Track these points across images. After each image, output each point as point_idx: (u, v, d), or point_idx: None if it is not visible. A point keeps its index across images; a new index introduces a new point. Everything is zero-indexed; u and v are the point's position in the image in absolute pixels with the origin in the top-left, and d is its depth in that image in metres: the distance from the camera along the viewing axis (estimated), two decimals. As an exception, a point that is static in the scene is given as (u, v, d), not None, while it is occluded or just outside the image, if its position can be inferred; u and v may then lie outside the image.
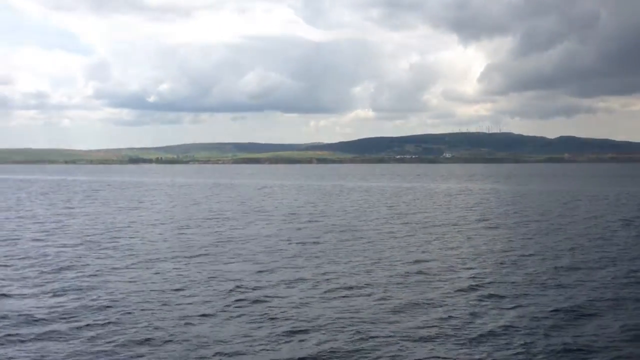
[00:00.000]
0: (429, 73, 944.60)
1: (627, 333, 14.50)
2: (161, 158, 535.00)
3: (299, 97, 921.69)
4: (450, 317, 15.74)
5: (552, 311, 16.24)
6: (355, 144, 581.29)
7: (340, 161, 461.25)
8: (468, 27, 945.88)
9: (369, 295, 18.23)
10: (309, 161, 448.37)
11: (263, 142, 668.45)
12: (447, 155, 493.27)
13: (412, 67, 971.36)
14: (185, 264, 23.51)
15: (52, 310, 16.46)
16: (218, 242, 29.76)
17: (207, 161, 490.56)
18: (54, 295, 18.22)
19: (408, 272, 21.61)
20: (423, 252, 26.53)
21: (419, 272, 21.60)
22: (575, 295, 18.13)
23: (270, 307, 16.81)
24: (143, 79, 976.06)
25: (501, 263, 23.63)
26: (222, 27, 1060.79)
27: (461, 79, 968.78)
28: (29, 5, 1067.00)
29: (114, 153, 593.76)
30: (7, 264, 23.57)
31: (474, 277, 20.74)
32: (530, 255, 25.37)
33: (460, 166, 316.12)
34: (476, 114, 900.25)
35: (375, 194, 74.00)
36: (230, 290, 18.66)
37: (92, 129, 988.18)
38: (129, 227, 36.98)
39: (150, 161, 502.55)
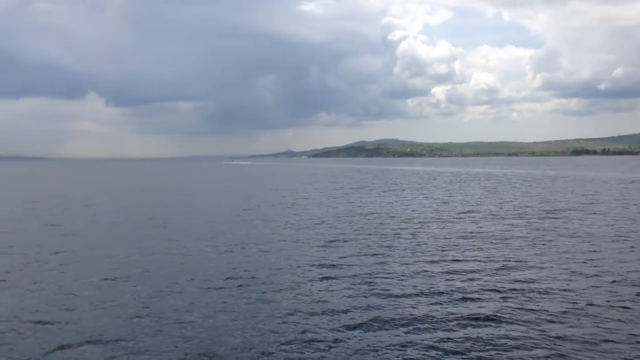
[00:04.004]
0: None
1: None
2: (608, 149, 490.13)
3: None
4: None
5: None
6: None
7: None
8: None
9: None
10: None
11: None
12: None
13: None
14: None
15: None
16: None
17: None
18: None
19: None
20: None
21: None
22: None
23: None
24: (594, 65, 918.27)
25: None
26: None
27: None
28: (484, 6, 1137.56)
29: (557, 145, 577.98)
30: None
31: None
32: None
33: None
34: None
35: None
36: None
37: (538, 120, 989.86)
38: None
39: (594, 152, 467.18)
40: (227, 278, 17.54)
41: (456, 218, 33.32)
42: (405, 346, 11.68)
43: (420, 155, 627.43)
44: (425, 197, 49.68)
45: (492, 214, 34.99)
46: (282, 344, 11.81)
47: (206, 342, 11.97)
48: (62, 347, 11.71)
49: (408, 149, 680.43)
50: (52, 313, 14.13)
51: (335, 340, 12.00)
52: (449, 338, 12.10)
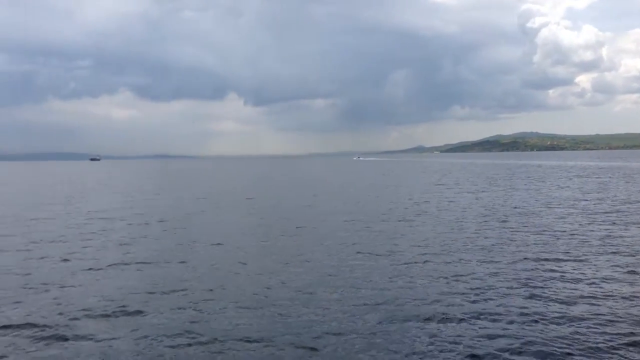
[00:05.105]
0: None
1: None
2: None
3: None
4: None
5: None
6: None
7: None
8: None
9: None
10: None
11: None
12: None
13: None
14: None
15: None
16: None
17: None
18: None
19: None
20: None
21: None
22: None
23: None
24: None
25: None
26: None
27: None
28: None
29: None
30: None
31: None
32: None
33: None
34: None
35: None
36: None
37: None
38: None
39: None
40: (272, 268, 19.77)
41: (543, 213, 32.74)
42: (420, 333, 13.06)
43: (562, 149, 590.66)
44: (527, 192, 48.45)
45: (584, 209, 33.88)
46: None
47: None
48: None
49: (548, 143, 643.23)
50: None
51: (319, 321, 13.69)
52: (451, 332, 13.26)
